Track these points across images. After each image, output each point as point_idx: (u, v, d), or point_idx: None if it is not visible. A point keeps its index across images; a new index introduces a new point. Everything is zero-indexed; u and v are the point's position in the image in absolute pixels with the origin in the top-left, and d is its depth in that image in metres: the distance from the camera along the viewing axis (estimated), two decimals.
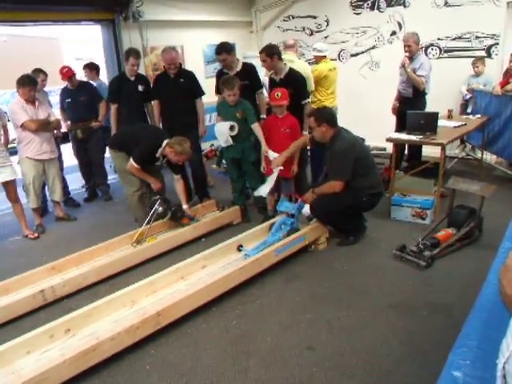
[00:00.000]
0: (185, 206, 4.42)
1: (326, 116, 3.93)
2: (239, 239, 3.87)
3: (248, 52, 8.21)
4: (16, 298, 3.25)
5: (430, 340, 2.64)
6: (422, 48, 6.65)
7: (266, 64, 4.57)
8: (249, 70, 4.82)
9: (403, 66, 5.29)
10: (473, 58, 6.16)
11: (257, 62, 7.09)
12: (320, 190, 3.94)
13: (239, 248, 3.80)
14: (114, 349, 2.57)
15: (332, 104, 6.05)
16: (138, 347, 2.72)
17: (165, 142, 4.19)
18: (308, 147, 4.61)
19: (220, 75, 4.82)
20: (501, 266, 0.96)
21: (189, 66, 7.83)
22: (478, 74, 6.13)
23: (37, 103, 4.69)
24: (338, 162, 3.84)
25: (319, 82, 5.78)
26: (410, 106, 5.20)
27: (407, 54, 5.28)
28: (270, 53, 4.50)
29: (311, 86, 5.44)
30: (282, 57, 5.19)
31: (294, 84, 4.47)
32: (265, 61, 4.54)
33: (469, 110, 6.14)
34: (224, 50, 4.66)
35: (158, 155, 4.25)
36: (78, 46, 17.58)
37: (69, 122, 5.58)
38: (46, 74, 5.32)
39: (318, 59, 5.94)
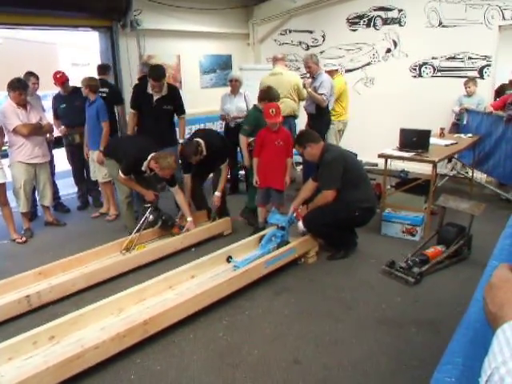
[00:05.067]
0: (189, 219, 4.39)
1: (306, 136, 4.02)
2: (229, 250, 3.85)
3: (244, 64, 8.28)
4: (0, 302, 3.20)
5: (417, 356, 2.64)
6: (416, 67, 6.80)
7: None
8: (174, 94, 4.95)
9: (304, 86, 5.51)
10: (465, 79, 6.26)
11: (252, 75, 7.20)
12: (314, 204, 3.95)
13: (228, 259, 3.78)
14: (98, 357, 2.54)
15: (345, 117, 6.16)
16: (124, 356, 2.68)
17: (150, 155, 4.18)
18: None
19: (140, 93, 4.92)
20: (485, 283, 0.97)
21: (185, 75, 7.91)
22: (469, 95, 6.22)
23: (28, 107, 4.66)
24: (328, 171, 3.86)
25: (339, 95, 5.92)
26: (315, 122, 5.43)
27: (308, 74, 5.56)
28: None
29: (302, 95, 5.74)
30: (273, 70, 5.77)
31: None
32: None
33: (464, 122, 6.20)
34: (164, 75, 4.77)
35: (143, 168, 4.24)
36: (75, 51, 17.60)
37: (63, 127, 5.54)
38: (37, 78, 5.28)
39: (332, 74, 6.06)
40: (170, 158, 4.13)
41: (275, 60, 6.16)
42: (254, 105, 4.88)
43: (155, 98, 4.79)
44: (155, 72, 4.70)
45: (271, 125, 4.29)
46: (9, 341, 2.59)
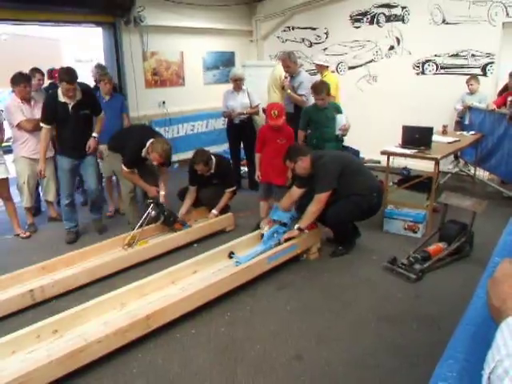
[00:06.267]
0: (162, 193, 4.42)
1: (296, 151, 3.95)
2: (231, 246, 3.86)
3: (247, 61, 8.28)
4: (4, 296, 3.22)
5: (418, 353, 2.65)
6: (419, 64, 6.79)
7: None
8: (88, 96, 4.36)
9: (282, 88, 5.42)
10: (468, 76, 6.24)
11: (255, 72, 7.19)
12: (305, 221, 3.77)
13: (230, 255, 3.79)
14: (101, 351, 2.55)
15: None
16: (126, 350, 2.70)
17: (150, 141, 4.20)
18: None
19: (52, 104, 4.17)
20: (489, 278, 0.97)
21: (188, 72, 7.91)
22: (472, 92, 6.20)
23: (32, 102, 4.68)
24: (323, 175, 3.79)
25: (335, 92, 5.91)
26: (292, 121, 5.10)
27: (287, 74, 5.42)
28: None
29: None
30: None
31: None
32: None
33: (466, 122, 6.21)
34: (77, 77, 4.15)
35: (143, 155, 4.25)
36: (79, 47, 17.58)
37: None
38: (42, 74, 5.32)
39: (322, 69, 6.07)
40: (164, 145, 4.15)
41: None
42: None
43: (71, 105, 4.14)
44: (69, 74, 4.06)
45: (273, 125, 4.30)
46: (12, 334, 2.61)
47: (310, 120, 4.71)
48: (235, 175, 5.31)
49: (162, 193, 4.46)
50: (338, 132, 4.64)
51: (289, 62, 5.31)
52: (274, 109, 4.28)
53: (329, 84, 4.75)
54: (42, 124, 4.21)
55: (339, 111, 4.69)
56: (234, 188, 4.81)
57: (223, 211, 4.77)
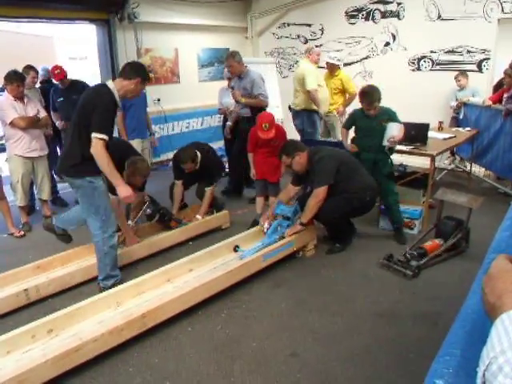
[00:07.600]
0: (130, 223, 4.15)
1: (293, 146, 3.92)
2: (227, 243, 3.84)
3: (242, 58, 8.24)
4: None
5: (414, 349, 2.65)
6: (415, 60, 6.78)
7: None
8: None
9: (236, 101, 5.08)
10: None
11: (253, 68, 7.15)
12: (306, 216, 3.80)
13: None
14: (97, 350, 2.54)
15: None
16: (122, 349, 2.69)
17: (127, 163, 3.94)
18: None
19: (114, 109, 3.14)
20: (484, 274, 0.97)
21: (183, 69, 7.89)
22: (461, 88, 6.22)
23: (25, 100, 4.65)
24: (319, 169, 3.80)
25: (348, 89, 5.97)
26: (251, 124, 4.71)
27: (232, 75, 5.12)
28: None
29: (310, 83, 5.42)
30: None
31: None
32: None
33: (461, 116, 6.23)
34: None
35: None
36: (72, 45, 17.50)
37: (60, 122, 5.51)
38: (36, 71, 5.28)
39: (334, 68, 6.05)
40: (144, 162, 4.01)
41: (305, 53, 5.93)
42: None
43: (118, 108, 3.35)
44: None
45: (264, 139, 4.26)
46: (7, 334, 2.59)
47: (355, 125, 4.35)
48: (221, 169, 4.97)
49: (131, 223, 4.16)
50: (385, 143, 4.04)
51: (232, 61, 4.92)
52: (265, 121, 4.17)
53: (380, 91, 4.10)
54: (102, 136, 2.96)
55: (393, 119, 4.08)
56: (214, 185, 4.55)
57: (217, 209, 4.75)
